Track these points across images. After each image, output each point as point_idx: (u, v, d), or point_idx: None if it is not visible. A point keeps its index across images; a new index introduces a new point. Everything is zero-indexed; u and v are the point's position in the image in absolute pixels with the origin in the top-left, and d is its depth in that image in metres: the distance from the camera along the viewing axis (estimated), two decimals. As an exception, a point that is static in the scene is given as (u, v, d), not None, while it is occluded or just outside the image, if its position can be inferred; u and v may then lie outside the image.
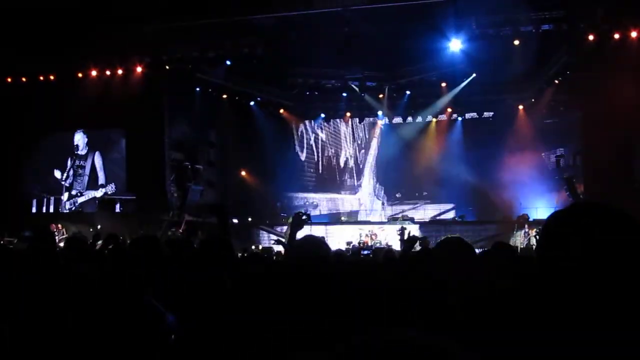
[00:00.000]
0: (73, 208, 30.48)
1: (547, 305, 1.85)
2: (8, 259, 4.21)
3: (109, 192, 30.14)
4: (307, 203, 34.76)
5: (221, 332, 3.13)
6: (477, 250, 4.43)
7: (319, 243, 4.03)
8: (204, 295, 3.64)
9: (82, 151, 30.82)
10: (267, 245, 26.44)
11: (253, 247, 25.48)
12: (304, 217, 5.99)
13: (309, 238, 4.30)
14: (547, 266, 1.89)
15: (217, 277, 3.85)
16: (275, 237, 26.17)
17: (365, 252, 22.78)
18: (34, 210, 30.50)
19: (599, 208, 1.91)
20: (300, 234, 5.38)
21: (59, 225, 24.26)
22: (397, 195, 35.02)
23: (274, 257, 14.13)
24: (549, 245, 1.92)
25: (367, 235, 28.01)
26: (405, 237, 24.62)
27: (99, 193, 30.40)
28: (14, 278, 3.61)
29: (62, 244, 12.29)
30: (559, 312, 1.80)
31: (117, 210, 29.34)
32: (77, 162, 30.85)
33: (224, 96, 32.16)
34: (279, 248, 17.14)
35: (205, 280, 3.81)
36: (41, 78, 29.24)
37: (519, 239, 25.82)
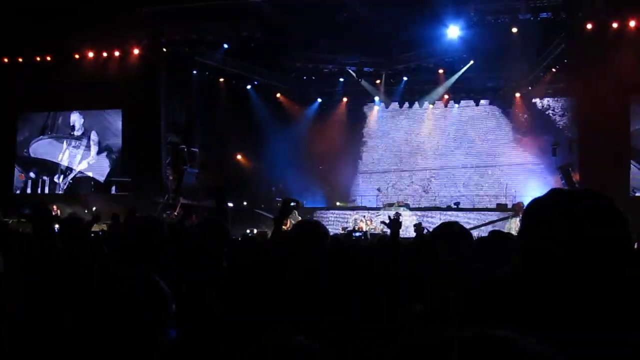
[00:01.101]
0: (65, 187, 30.52)
1: (530, 296, 1.84)
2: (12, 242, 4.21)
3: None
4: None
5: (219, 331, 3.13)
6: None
7: (316, 229, 4.03)
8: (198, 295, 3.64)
9: (78, 132, 30.76)
10: (262, 229, 26.45)
11: (248, 230, 25.48)
12: (292, 204, 5.97)
13: (307, 224, 4.29)
14: (526, 254, 1.89)
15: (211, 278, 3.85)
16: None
17: (357, 234, 22.86)
18: (28, 191, 30.51)
19: (574, 194, 1.91)
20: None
21: (55, 207, 24.25)
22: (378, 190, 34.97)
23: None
24: (525, 232, 1.92)
25: (362, 220, 28.04)
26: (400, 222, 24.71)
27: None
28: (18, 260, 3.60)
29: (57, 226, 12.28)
30: (540, 305, 1.80)
31: (113, 192, 29.33)
32: (73, 143, 30.80)
33: (221, 79, 32.09)
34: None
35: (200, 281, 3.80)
36: (37, 59, 29.14)
37: (513, 227, 25.85)
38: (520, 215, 22.93)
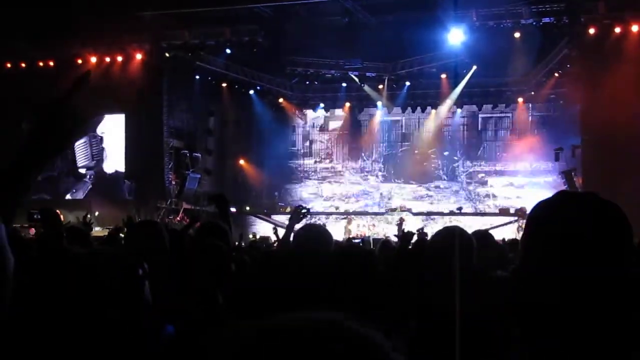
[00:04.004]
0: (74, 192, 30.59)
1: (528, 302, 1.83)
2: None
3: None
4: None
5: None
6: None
7: (320, 235, 4.01)
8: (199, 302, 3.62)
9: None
10: (265, 234, 26.44)
11: (250, 235, 25.48)
12: (303, 211, 5.98)
13: (311, 230, 4.28)
14: (527, 258, 1.88)
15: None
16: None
17: (356, 240, 22.82)
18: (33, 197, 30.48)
19: (581, 197, 1.90)
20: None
21: (58, 212, 24.18)
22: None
23: (273, 246, 14.11)
24: (530, 235, 1.91)
25: (364, 225, 28.06)
26: (404, 227, 24.69)
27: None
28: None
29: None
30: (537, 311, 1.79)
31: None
32: (75, 149, 30.80)
33: (224, 84, 32.10)
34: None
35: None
36: (40, 64, 29.18)
37: (516, 232, 25.84)
38: (521, 220, 22.80)
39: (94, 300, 1.58)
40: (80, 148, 30.69)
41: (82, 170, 30.92)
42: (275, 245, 14.80)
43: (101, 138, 30.76)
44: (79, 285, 1.58)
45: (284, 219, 26.31)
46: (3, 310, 1.49)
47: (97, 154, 30.84)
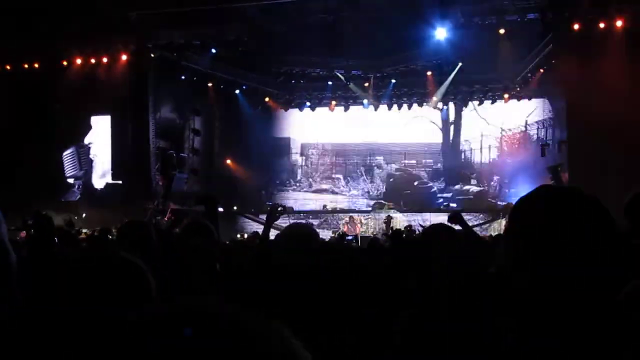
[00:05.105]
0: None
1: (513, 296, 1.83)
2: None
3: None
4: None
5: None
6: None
7: (306, 234, 4.00)
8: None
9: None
10: (251, 234, 26.41)
11: (238, 235, 25.46)
12: (279, 209, 5.96)
13: (295, 229, 4.26)
14: (509, 255, 1.88)
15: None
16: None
17: (349, 237, 22.80)
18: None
19: (563, 192, 1.90)
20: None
21: (50, 217, 24.04)
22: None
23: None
24: (513, 232, 1.91)
25: (350, 222, 28.02)
26: (392, 225, 24.73)
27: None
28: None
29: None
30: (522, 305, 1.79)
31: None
32: (63, 159, 30.67)
33: (209, 84, 32.04)
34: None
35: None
36: (25, 66, 29.05)
37: (503, 228, 25.92)
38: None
39: (85, 300, 1.57)
40: (68, 158, 30.58)
41: (70, 181, 30.77)
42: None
43: (89, 148, 30.63)
44: (69, 286, 1.57)
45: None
46: (12, 301, 1.49)
47: (85, 164, 30.71)
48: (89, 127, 30.34)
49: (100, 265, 1.59)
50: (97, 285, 1.53)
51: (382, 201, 32.24)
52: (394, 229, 20.46)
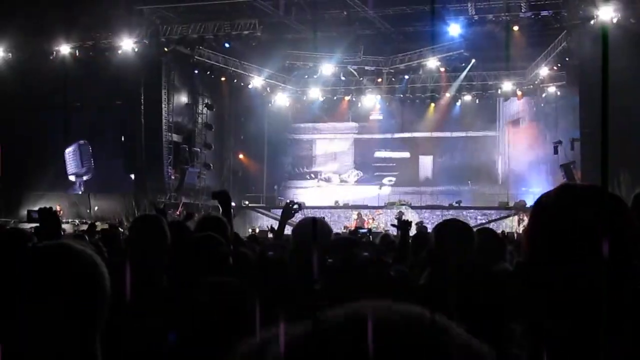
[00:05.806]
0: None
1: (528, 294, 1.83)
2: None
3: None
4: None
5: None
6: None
7: (318, 227, 3.99)
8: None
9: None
10: (264, 228, 26.44)
11: (250, 229, 25.50)
12: (294, 207, 5.94)
13: (309, 222, 4.26)
14: (534, 252, 1.87)
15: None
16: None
17: (363, 230, 22.74)
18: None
19: (585, 190, 1.90)
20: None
21: (58, 207, 24.16)
22: (388, 182, 34.86)
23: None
24: (533, 229, 1.91)
25: (363, 218, 28.01)
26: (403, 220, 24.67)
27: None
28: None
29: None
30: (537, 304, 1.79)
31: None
32: (65, 157, 30.75)
33: (223, 78, 32.06)
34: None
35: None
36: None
37: (515, 224, 25.86)
38: (521, 214, 22.78)
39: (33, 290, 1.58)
40: (70, 156, 30.66)
41: (72, 178, 30.85)
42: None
43: (90, 145, 30.68)
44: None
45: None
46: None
47: (87, 161, 30.78)
48: (101, 122, 30.37)
49: (45, 257, 1.59)
50: (42, 275, 1.54)
51: (400, 198, 32.05)
52: (404, 219, 20.37)
